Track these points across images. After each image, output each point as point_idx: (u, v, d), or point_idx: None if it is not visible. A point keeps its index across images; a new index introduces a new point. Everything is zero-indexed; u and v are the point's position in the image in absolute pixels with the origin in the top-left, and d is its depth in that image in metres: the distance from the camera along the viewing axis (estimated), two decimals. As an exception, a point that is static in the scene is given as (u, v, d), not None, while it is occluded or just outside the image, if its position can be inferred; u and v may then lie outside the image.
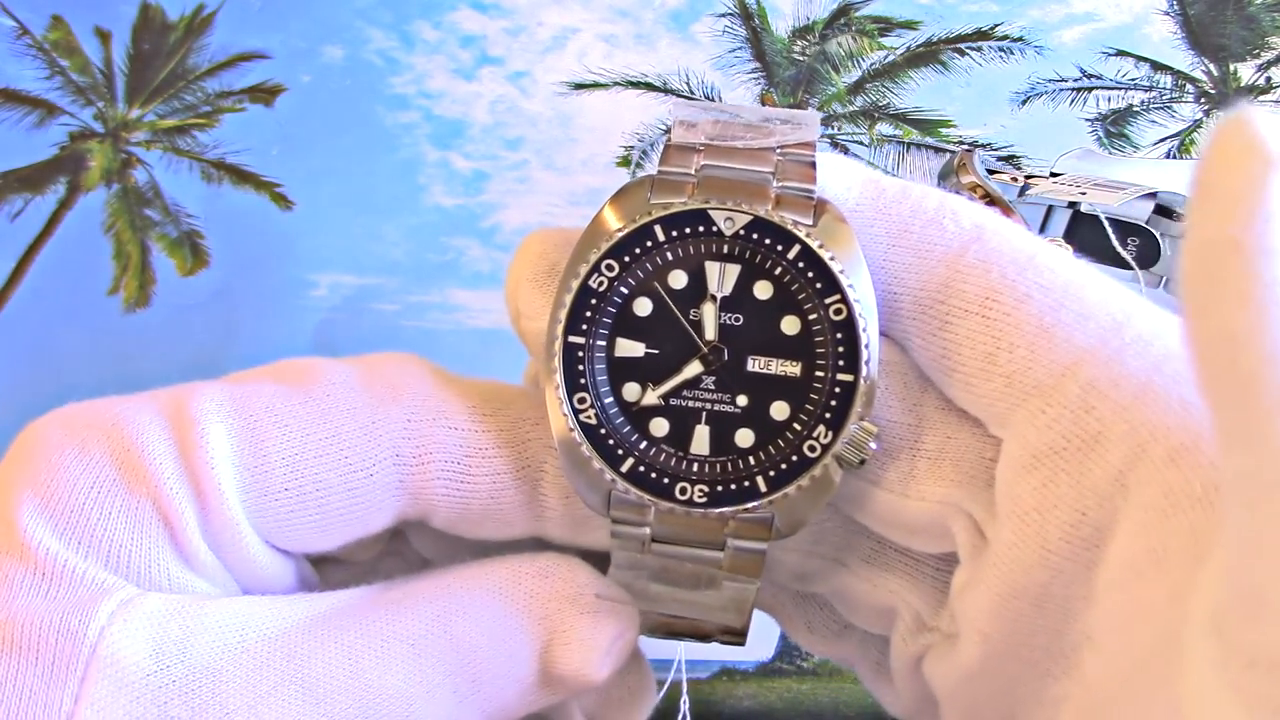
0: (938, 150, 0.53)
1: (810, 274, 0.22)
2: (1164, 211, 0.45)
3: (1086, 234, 0.44)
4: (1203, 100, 0.54)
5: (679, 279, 0.23)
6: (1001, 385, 0.22)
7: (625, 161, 0.52)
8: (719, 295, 0.23)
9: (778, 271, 0.23)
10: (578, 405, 0.23)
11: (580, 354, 0.23)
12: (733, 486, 0.23)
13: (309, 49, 0.54)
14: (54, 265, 0.50)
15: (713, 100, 0.54)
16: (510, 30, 0.55)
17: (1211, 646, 0.16)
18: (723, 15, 0.55)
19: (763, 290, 0.23)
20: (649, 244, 0.22)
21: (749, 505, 0.23)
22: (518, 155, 0.52)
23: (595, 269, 0.22)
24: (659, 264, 0.23)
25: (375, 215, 0.51)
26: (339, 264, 0.50)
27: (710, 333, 0.23)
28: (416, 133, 0.53)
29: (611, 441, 0.23)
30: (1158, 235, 0.44)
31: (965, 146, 0.52)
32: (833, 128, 0.54)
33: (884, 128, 0.53)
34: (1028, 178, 0.45)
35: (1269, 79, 0.54)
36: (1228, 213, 0.14)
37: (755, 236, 0.22)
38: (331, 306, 0.49)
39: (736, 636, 0.26)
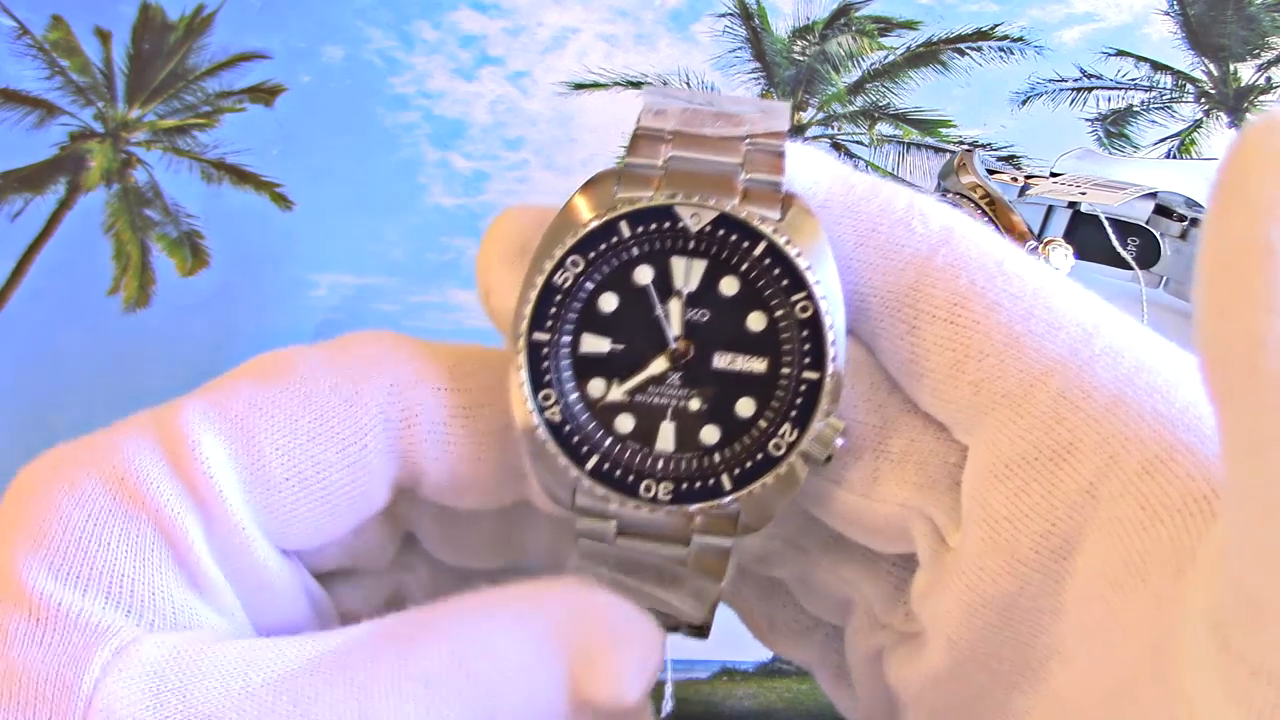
0: (938, 150, 0.53)
1: (776, 271, 0.22)
2: (1164, 211, 0.45)
3: (1086, 234, 0.44)
4: (1203, 100, 0.54)
5: (645, 274, 0.23)
6: (969, 393, 0.22)
7: (625, 161, 0.52)
8: (685, 291, 0.23)
9: (744, 268, 0.22)
10: (543, 403, 0.22)
11: (545, 350, 0.22)
12: (697, 484, 0.23)
13: (309, 49, 0.54)
14: (54, 265, 0.50)
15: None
16: (510, 30, 0.55)
17: (1213, 656, 0.16)
18: (723, 15, 0.55)
19: (729, 286, 0.23)
20: (614, 239, 0.22)
21: (714, 503, 0.23)
22: (518, 155, 0.52)
23: (560, 265, 0.22)
24: (624, 259, 0.22)
25: (375, 215, 0.51)
26: (339, 264, 0.50)
27: (676, 329, 0.23)
28: (416, 133, 0.53)
29: (577, 439, 0.23)
30: (1158, 235, 0.44)
31: (965, 146, 0.52)
32: (833, 128, 0.54)
33: (884, 128, 0.53)
34: (1028, 178, 0.45)
35: (1269, 79, 0.54)
36: (1259, 212, 0.14)
37: (721, 233, 0.22)
38: (331, 306, 0.49)
39: (699, 631, 0.26)
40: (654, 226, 0.22)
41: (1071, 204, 0.44)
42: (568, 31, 0.54)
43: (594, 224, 0.22)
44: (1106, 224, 0.44)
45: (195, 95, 0.53)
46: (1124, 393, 0.21)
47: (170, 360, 0.48)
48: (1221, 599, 0.16)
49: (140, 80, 0.54)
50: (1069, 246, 0.41)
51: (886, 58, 0.55)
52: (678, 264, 0.22)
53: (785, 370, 0.22)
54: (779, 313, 0.22)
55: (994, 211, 0.42)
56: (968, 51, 0.54)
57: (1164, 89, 0.54)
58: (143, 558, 0.22)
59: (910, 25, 0.55)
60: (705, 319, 0.23)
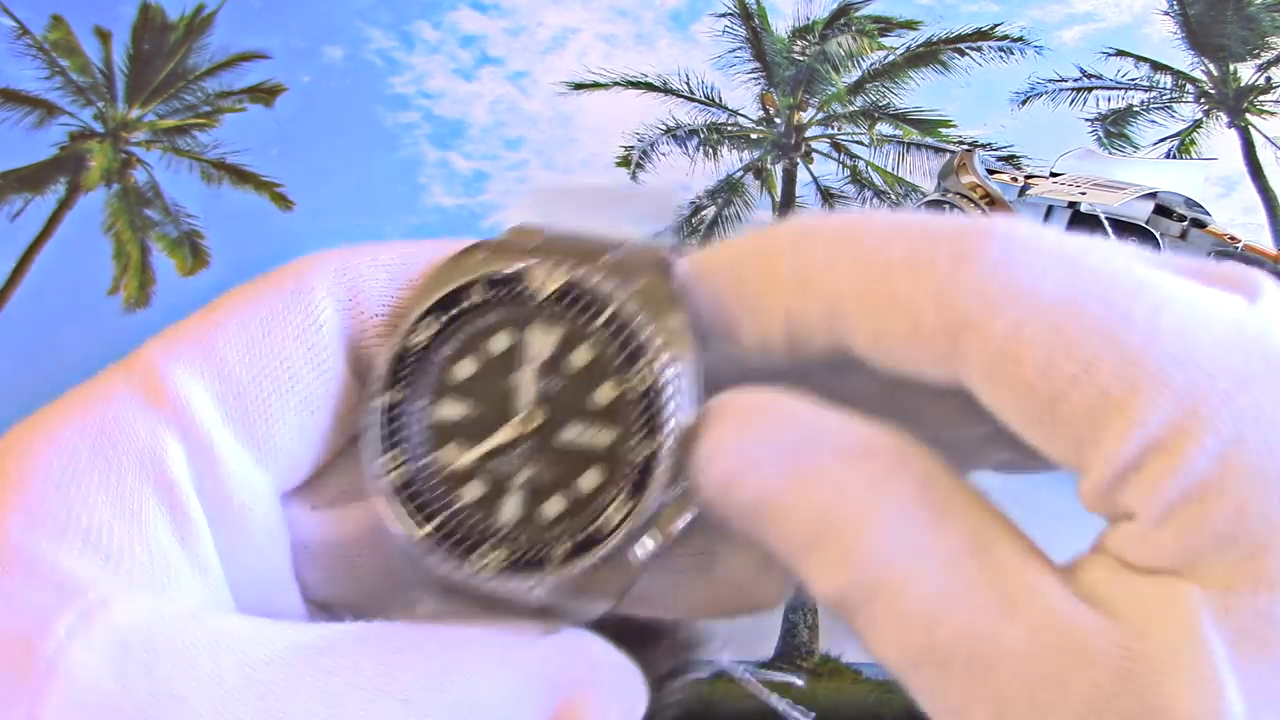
0: (938, 150, 0.53)
1: (621, 339, 0.22)
2: (1164, 211, 0.45)
3: (1086, 234, 0.44)
4: (1203, 100, 0.54)
5: (500, 342, 0.23)
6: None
7: (625, 161, 0.52)
8: (538, 359, 0.23)
9: (594, 337, 0.23)
10: (390, 464, 0.22)
11: (397, 411, 0.23)
12: (528, 557, 0.22)
13: (309, 49, 0.54)
14: (54, 265, 0.50)
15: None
16: (510, 30, 0.55)
17: None
18: (723, 15, 0.55)
19: (581, 356, 0.23)
20: (467, 304, 0.23)
21: (538, 578, 0.22)
22: (518, 155, 0.52)
23: (415, 328, 0.23)
24: (480, 326, 0.23)
25: (375, 215, 0.51)
26: (339, 264, 0.50)
27: (526, 398, 0.23)
28: (416, 133, 0.53)
29: (418, 503, 0.23)
30: (1158, 235, 0.44)
31: (965, 146, 0.52)
32: (833, 128, 0.54)
33: (884, 128, 0.53)
34: (1028, 178, 0.45)
35: (1269, 79, 0.54)
36: None
37: (569, 299, 0.22)
38: (331, 306, 0.49)
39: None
40: (506, 293, 0.23)
41: (1071, 204, 0.44)
42: (568, 31, 0.54)
43: (450, 287, 0.23)
44: (1106, 224, 0.44)
45: (195, 95, 0.54)
46: None
47: (170, 360, 0.48)
48: None
49: (140, 80, 0.54)
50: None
51: (886, 58, 0.55)
52: (533, 332, 0.23)
53: (630, 443, 0.22)
54: (626, 384, 0.22)
55: (994, 211, 0.42)
56: (968, 51, 0.54)
57: (1164, 89, 0.54)
58: (122, 498, 0.22)
59: (910, 25, 0.55)
60: (557, 389, 0.23)
